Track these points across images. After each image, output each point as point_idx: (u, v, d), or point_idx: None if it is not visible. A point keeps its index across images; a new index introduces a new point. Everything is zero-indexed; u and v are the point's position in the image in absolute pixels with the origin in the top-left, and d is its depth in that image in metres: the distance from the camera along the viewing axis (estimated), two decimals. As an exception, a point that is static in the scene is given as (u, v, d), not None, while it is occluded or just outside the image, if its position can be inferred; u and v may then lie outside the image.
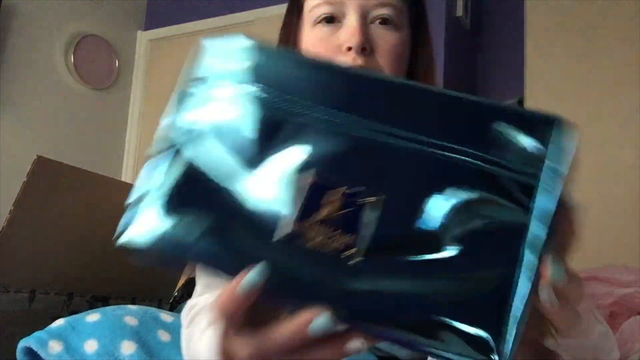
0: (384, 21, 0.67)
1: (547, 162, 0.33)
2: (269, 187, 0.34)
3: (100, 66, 2.87)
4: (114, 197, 1.04)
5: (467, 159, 0.33)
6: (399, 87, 0.36)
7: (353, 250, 0.32)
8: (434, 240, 0.33)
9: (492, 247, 0.32)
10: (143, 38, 3.11)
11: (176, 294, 1.32)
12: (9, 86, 2.48)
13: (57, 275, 0.98)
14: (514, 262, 0.32)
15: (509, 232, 0.32)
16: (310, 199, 0.33)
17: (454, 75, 2.46)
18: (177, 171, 0.35)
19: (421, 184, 0.33)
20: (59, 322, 0.61)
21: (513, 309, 0.31)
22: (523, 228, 0.32)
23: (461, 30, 2.58)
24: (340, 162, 0.34)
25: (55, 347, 0.57)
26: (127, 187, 1.19)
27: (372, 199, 0.33)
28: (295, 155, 0.34)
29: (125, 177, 2.87)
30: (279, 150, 0.35)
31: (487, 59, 2.83)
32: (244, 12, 2.82)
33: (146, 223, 0.34)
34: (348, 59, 0.65)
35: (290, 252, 0.33)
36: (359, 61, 0.65)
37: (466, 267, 0.32)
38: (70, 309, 1.00)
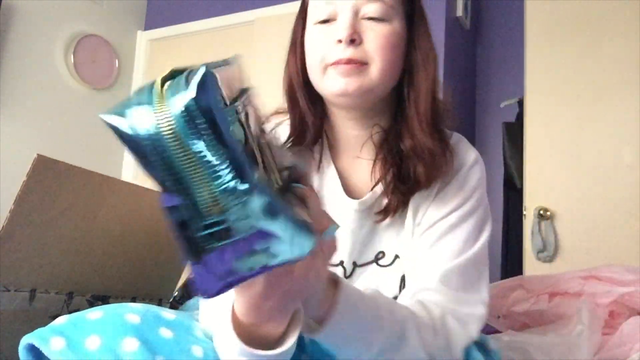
0: (373, 16, 0.75)
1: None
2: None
3: (100, 66, 2.87)
4: (114, 197, 1.04)
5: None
6: None
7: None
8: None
9: None
10: (143, 38, 3.11)
11: (176, 293, 1.32)
12: (9, 86, 2.48)
13: (57, 274, 0.98)
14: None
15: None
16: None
17: (454, 75, 2.46)
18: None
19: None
20: (61, 320, 0.61)
21: None
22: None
23: (461, 30, 2.58)
24: None
25: (57, 343, 0.57)
26: (127, 187, 1.19)
27: None
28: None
29: (125, 177, 2.86)
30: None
31: (487, 59, 2.83)
32: (244, 12, 2.83)
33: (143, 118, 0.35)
34: (339, 50, 0.74)
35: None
36: (348, 51, 0.73)
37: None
38: (70, 308, 1.00)
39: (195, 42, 2.95)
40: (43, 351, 0.57)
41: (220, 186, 0.36)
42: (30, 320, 0.86)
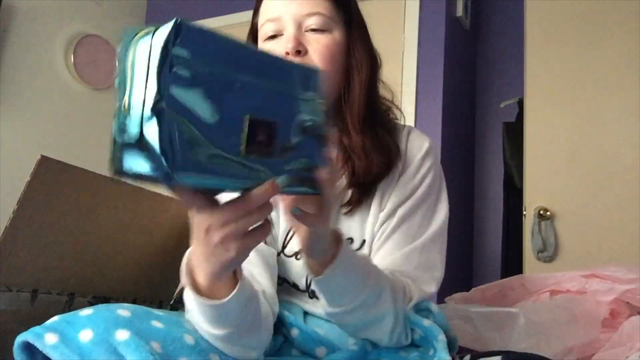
0: (315, 28, 0.83)
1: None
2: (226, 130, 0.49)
3: (100, 66, 2.87)
4: (116, 198, 1.04)
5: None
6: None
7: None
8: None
9: None
10: (143, 38, 3.11)
11: (177, 294, 1.32)
12: (9, 86, 2.48)
13: (59, 275, 0.98)
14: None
15: None
16: (249, 132, 0.49)
17: (454, 75, 2.46)
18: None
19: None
20: (54, 318, 0.63)
21: None
22: None
23: (461, 30, 2.59)
24: (256, 107, 0.51)
25: (51, 338, 0.59)
26: (129, 189, 1.18)
27: (279, 124, 0.52)
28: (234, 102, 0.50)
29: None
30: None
31: (487, 59, 2.83)
32: (244, 12, 2.82)
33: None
34: None
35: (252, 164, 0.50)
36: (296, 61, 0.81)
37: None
38: (72, 309, 1.01)
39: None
40: (37, 346, 0.58)
41: None
42: (32, 320, 0.86)
